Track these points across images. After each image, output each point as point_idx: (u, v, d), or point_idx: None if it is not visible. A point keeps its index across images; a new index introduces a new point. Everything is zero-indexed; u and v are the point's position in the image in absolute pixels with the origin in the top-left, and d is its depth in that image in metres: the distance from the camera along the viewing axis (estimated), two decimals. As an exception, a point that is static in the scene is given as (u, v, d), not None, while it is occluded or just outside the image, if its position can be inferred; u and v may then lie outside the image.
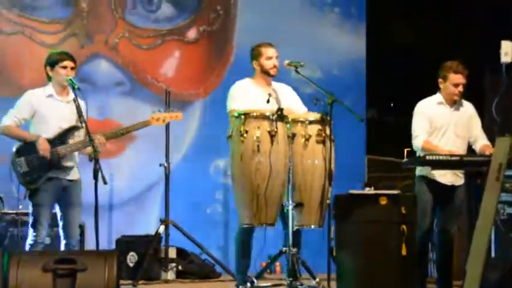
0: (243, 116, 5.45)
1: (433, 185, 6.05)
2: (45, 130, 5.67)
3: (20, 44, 7.79)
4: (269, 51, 5.88)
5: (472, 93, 6.29)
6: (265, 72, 5.86)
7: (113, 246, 7.46)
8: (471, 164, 6.05)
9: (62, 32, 7.92)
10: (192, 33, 8.37)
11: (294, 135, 5.51)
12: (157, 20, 8.28)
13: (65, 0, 7.97)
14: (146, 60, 8.21)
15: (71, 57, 5.78)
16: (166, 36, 8.29)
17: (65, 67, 5.70)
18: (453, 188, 6.11)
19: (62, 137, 5.69)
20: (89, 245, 6.57)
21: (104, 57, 8.01)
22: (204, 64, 8.42)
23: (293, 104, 5.87)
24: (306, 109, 5.84)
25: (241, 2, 8.47)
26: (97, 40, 8.03)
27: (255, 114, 5.46)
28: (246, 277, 5.59)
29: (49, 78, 5.74)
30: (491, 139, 6.15)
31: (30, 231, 5.70)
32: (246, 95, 5.79)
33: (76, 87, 5.67)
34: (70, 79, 5.68)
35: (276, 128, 5.41)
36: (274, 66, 5.85)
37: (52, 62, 5.74)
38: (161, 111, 6.16)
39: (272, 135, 5.39)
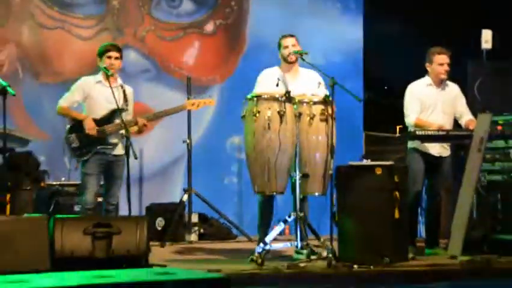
0: (255, 98, 5.46)
1: (423, 156, 6.07)
2: (95, 111, 5.77)
3: (60, 38, 7.77)
4: (285, 41, 5.91)
5: (457, 75, 6.29)
6: (284, 60, 5.91)
7: (144, 212, 7.51)
8: (456, 137, 6.07)
9: (96, 26, 7.92)
10: (209, 27, 8.35)
11: (300, 114, 5.49)
12: (179, 15, 8.26)
13: (99, -1, 7.99)
14: (170, 51, 8.20)
15: (117, 48, 5.87)
16: (187, 29, 8.27)
17: (110, 57, 5.79)
18: (440, 158, 6.12)
19: (109, 117, 5.78)
20: (123, 211, 6.62)
21: (133, 48, 8.01)
22: (220, 53, 8.40)
23: (313, 88, 5.82)
24: (327, 92, 5.70)
25: (253, -1, 8.47)
26: (127, 33, 8.03)
27: (266, 96, 5.46)
28: (267, 233, 5.57)
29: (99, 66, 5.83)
30: (474, 115, 6.16)
31: (80, 197, 5.80)
32: (267, 81, 5.82)
33: (109, 74, 5.75)
34: (105, 67, 5.77)
35: (285, 108, 5.41)
36: (289, 54, 5.87)
37: (100, 53, 5.84)
38: (197, 97, 6.23)
39: (281, 115, 5.39)
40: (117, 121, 5.75)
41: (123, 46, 7.87)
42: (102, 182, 5.96)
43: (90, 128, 5.69)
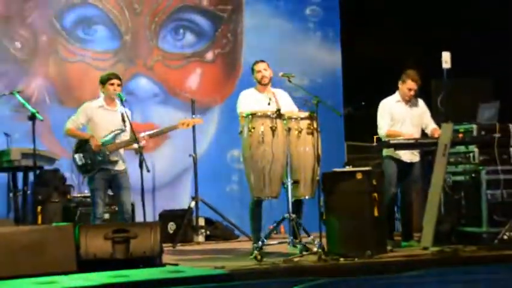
0: (250, 116, 5.42)
1: (396, 162, 6.03)
2: (97, 133, 5.66)
3: (81, 69, 7.72)
4: (257, 66, 5.86)
5: (422, 91, 6.26)
6: (259, 82, 5.85)
7: (157, 218, 7.42)
8: (423, 145, 6.04)
9: (112, 58, 7.87)
10: (209, 55, 8.31)
11: (289, 129, 5.46)
12: (183, 46, 8.21)
13: (113, 35, 7.91)
14: (176, 77, 8.15)
15: (117, 77, 5.78)
16: (190, 58, 8.22)
17: (112, 84, 5.70)
18: (411, 164, 6.08)
19: (110, 138, 5.68)
20: (139, 218, 6.56)
21: (143, 76, 7.95)
22: (219, 78, 8.36)
23: (288, 105, 5.84)
24: (297, 109, 5.79)
25: (246, 31, 8.41)
26: (138, 63, 7.98)
27: (259, 114, 5.43)
28: (259, 236, 5.57)
29: (102, 93, 5.76)
30: (437, 125, 6.13)
31: (93, 209, 5.71)
32: (249, 100, 5.77)
33: (123, 99, 5.68)
34: (119, 94, 5.69)
35: (276, 124, 5.38)
36: (263, 77, 5.81)
37: (103, 81, 5.74)
38: (186, 117, 6.12)
39: (273, 130, 5.36)
40: (117, 141, 5.66)
41: (135, 74, 7.93)
42: (109, 193, 5.84)
43: (96, 145, 5.60)
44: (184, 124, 5.89)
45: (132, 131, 5.57)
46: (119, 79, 5.75)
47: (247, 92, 5.88)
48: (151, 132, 5.86)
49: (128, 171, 5.71)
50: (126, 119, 5.63)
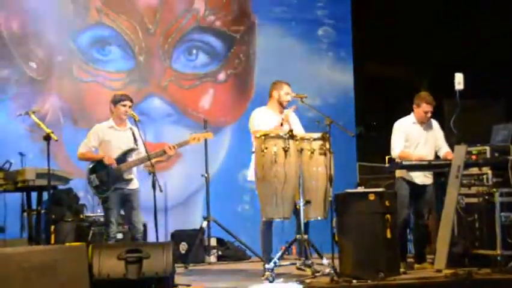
0: (263, 136, 5.46)
1: (409, 184, 6.02)
2: (109, 153, 5.73)
3: (95, 89, 7.81)
4: (287, 88, 5.90)
5: (435, 112, 6.28)
6: (280, 103, 5.89)
7: (169, 238, 7.43)
8: (437, 166, 6.03)
9: (125, 79, 7.95)
10: (222, 76, 8.38)
11: (302, 149, 5.49)
12: (196, 66, 8.29)
13: (127, 56, 8.01)
14: (188, 97, 8.21)
15: (130, 98, 5.85)
16: (203, 78, 8.29)
17: (124, 105, 5.77)
18: (424, 186, 6.07)
19: (123, 157, 5.74)
20: (151, 237, 6.57)
21: (157, 96, 8.02)
22: (231, 99, 8.41)
23: (298, 127, 5.86)
24: (304, 132, 5.80)
25: (258, 51, 8.48)
26: (152, 83, 8.06)
27: (272, 134, 5.47)
28: (270, 257, 5.58)
29: (112, 112, 5.82)
30: (450, 146, 6.13)
31: (105, 228, 5.74)
32: (263, 119, 5.81)
33: (137, 120, 5.74)
34: (133, 114, 5.76)
35: (289, 144, 5.41)
36: (287, 99, 5.87)
37: (115, 101, 5.81)
38: (197, 132, 6.17)
39: (286, 150, 5.39)
40: (129, 160, 5.71)
41: (149, 94, 8.00)
42: (122, 213, 5.88)
43: (111, 162, 5.65)
44: (195, 139, 5.94)
45: (144, 146, 5.64)
46: (131, 101, 5.82)
47: (260, 110, 5.92)
48: (172, 144, 5.90)
49: (140, 190, 5.74)
50: (138, 137, 5.70)
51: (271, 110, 5.89)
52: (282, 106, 5.87)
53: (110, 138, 5.75)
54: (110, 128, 5.78)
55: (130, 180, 5.71)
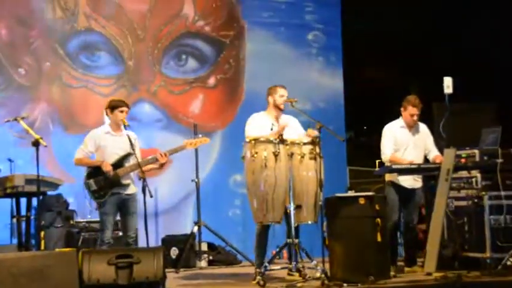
0: (253, 141, 5.47)
1: (398, 188, 6.04)
2: (106, 158, 5.72)
3: (84, 95, 7.80)
4: (282, 91, 5.90)
5: (424, 116, 6.32)
6: (277, 106, 5.89)
7: (160, 243, 7.43)
8: (426, 170, 6.06)
9: (114, 84, 7.95)
10: (211, 81, 8.39)
11: (292, 154, 5.49)
12: (185, 72, 8.30)
13: (116, 61, 8.01)
14: (178, 102, 8.21)
15: (127, 105, 5.86)
16: (192, 83, 8.30)
17: (122, 111, 5.77)
18: (413, 190, 6.10)
19: (120, 162, 5.74)
20: (142, 242, 6.57)
21: (147, 101, 8.03)
22: (221, 104, 8.43)
23: (295, 131, 5.85)
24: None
25: (248, 56, 8.51)
26: (141, 89, 8.06)
27: (262, 139, 5.48)
28: (263, 261, 5.58)
29: (108, 118, 5.82)
30: (439, 150, 6.17)
31: (100, 233, 5.74)
32: (255, 124, 5.82)
33: (126, 125, 5.75)
34: (122, 119, 5.77)
35: (279, 149, 5.41)
36: (284, 102, 5.88)
37: (113, 107, 5.80)
38: (193, 137, 6.18)
39: (276, 155, 5.39)
40: (127, 165, 5.72)
41: (138, 100, 8.00)
42: (118, 218, 5.88)
43: (108, 169, 5.66)
44: (191, 144, 5.95)
45: (136, 156, 5.63)
46: (128, 107, 5.84)
47: (255, 115, 5.94)
48: (164, 151, 5.91)
49: (137, 195, 5.74)
50: (134, 142, 5.72)
51: (268, 115, 5.91)
52: (279, 109, 5.88)
53: (106, 143, 5.75)
54: (106, 133, 5.79)
55: (128, 185, 5.72)
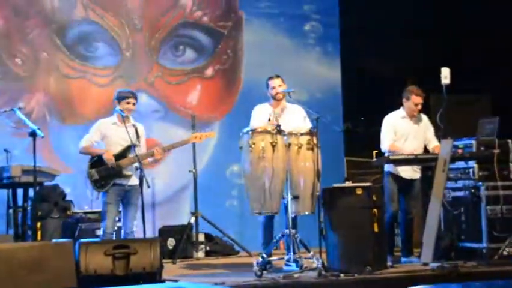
0: (250, 132, 5.46)
1: (396, 179, 6.05)
2: (111, 149, 5.75)
3: (82, 85, 7.76)
4: (272, 82, 5.92)
5: (422, 107, 6.29)
6: (273, 98, 5.91)
7: (157, 234, 7.41)
8: (423, 160, 6.06)
9: (112, 74, 7.91)
10: (209, 71, 8.36)
11: (290, 144, 5.48)
12: (183, 62, 8.26)
13: (114, 51, 7.96)
14: (176, 93, 8.18)
15: (135, 96, 5.87)
16: (190, 74, 8.26)
17: (129, 102, 5.78)
18: (411, 180, 6.10)
19: (123, 153, 5.75)
20: (139, 233, 6.56)
21: (144, 92, 7.97)
22: (219, 94, 8.39)
23: (296, 121, 5.80)
24: (311, 125, 5.72)
25: (246, 46, 8.47)
26: (138, 79, 8.02)
27: (259, 129, 5.47)
28: (271, 251, 5.58)
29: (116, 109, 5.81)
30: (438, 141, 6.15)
31: (102, 223, 5.75)
32: (260, 114, 5.85)
33: (124, 115, 5.75)
34: (120, 110, 5.76)
35: (276, 140, 5.40)
36: (277, 93, 5.87)
37: (120, 98, 5.81)
38: (199, 131, 6.19)
39: (273, 146, 5.38)
40: (131, 156, 5.72)
41: (136, 90, 7.91)
42: (120, 209, 5.90)
43: (109, 159, 5.67)
44: (197, 137, 5.97)
45: (139, 148, 5.68)
46: (136, 98, 5.84)
47: (258, 107, 5.97)
48: (165, 146, 5.92)
49: (139, 186, 5.73)
50: (141, 134, 5.73)
51: (269, 106, 5.95)
52: (276, 100, 5.89)
53: (111, 134, 5.78)
54: (113, 124, 5.81)
55: (130, 176, 5.75)
